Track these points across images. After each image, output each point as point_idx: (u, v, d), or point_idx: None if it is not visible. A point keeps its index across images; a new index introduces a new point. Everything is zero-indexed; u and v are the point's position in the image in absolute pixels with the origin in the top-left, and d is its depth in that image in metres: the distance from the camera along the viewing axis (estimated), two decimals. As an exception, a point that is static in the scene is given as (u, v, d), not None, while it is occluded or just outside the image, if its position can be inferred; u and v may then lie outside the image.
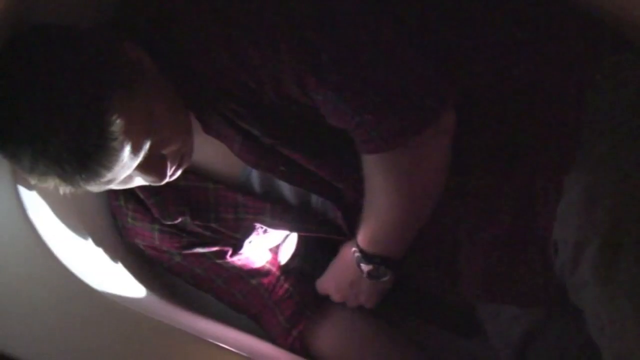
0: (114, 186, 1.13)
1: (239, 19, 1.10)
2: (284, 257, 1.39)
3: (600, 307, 1.10)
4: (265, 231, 1.34)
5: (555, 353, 1.27)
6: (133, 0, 1.19)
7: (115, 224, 1.38)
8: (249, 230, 1.33)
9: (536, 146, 1.18)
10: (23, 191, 1.19)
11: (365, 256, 1.23)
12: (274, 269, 1.39)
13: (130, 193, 1.32)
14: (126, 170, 1.09)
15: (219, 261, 1.36)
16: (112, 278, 1.31)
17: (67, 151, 1.01)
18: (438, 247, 1.26)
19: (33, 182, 1.08)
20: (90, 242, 1.31)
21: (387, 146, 1.11)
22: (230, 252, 1.35)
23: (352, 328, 1.36)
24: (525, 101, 1.19)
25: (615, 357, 1.10)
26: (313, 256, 1.38)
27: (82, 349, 1.24)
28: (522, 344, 1.29)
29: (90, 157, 1.02)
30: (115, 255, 1.35)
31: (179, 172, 1.18)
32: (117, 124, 1.03)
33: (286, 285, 1.37)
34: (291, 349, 1.35)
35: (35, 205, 1.21)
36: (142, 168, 1.11)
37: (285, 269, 1.39)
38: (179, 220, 1.31)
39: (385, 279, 1.26)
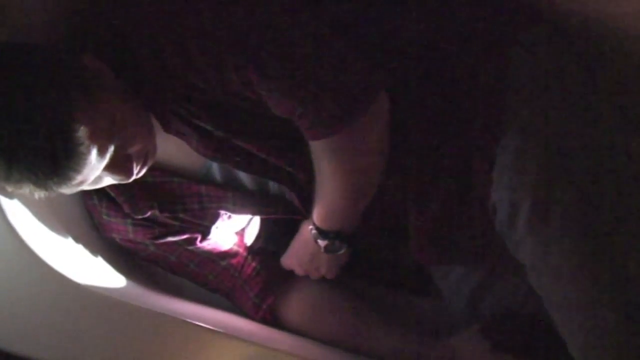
0: (85, 187, 1.14)
1: (185, 27, 1.12)
2: (249, 238, 1.42)
3: (536, 258, 1.14)
4: (229, 217, 1.36)
5: (503, 303, 1.31)
6: (90, 15, 1.19)
7: (92, 222, 1.39)
8: (214, 217, 1.35)
9: (467, 119, 1.20)
10: (3, 200, 1.21)
11: (321, 232, 1.27)
12: (241, 250, 1.41)
13: (102, 192, 1.32)
14: (95, 172, 1.10)
15: (190, 247, 1.37)
16: (94, 271, 1.33)
17: (37, 159, 1.02)
18: (388, 218, 1.28)
19: (10, 189, 1.09)
20: (70, 240, 1.32)
21: (329, 132, 1.13)
22: (199, 238, 1.37)
23: (315, 298, 1.38)
24: (453, 80, 1.21)
25: (552, 302, 1.14)
26: (275, 236, 1.40)
27: (71, 339, 1.27)
28: (472, 298, 1.33)
29: (59, 162, 1.03)
30: (94, 250, 1.36)
31: (144, 170, 1.19)
32: (82, 130, 1.04)
33: (253, 264, 1.39)
34: (263, 321, 1.38)
35: (16, 212, 1.23)
36: (110, 168, 1.12)
37: (251, 250, 1.41)
38: (149, 213, 1.32)
39: (341, 251, 1.30)
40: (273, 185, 1.32)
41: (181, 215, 1.35)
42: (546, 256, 1.12)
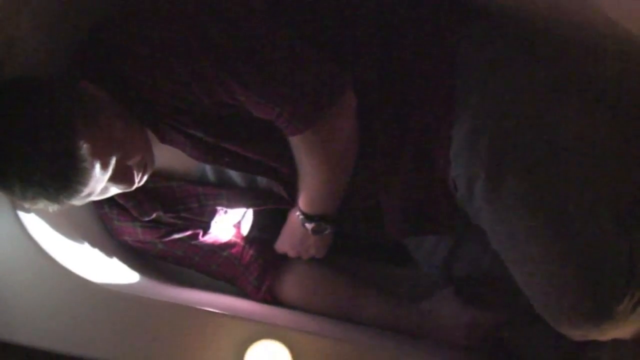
0: (94, 198, 1.15)
1: (171, 50, 1.13)
2: (245, 229, 1.43)
3: (495, 224, 1.17)
4: (226, 212, 1.38)
5: (473, 267, 1.34)
6: (87, 46, 1.20)
7: (105, 228, 1.40)
8: (213, 213, 1.36)
9: (423, 108, 1.22)
10: (23, 215, 1.22)
11: (307, 217, 1.29)
12: (239, 241, 1.42)
13: (112, 200, 1.34)
14: (100, 184, 1.12)
15: (193, 242, 1.39)
16: (110, 271, 1.34)
17: (47, 177, 1.04)
18: (363, 199, 1.30)
19: (27, 206, 1.11)
20: (86, 245, 1.34)
21: (305, 127, 1.15)
22: (201, 233, 1.38)
23: (309, 276, 1.40)
24: (409, 74, 1.23)
25: (511, 261, 1.17)
26: (268, 225, 1.42)
27: (93, 332, 1.27)
28: (445, 264, 1.36)
29: (67, 178, 1.05)
30: (109, 253, 1.38)
31: (145, 178, 1.20)
32: (85, 148, 1.06)
33: (251, 252, 1.40)
34: (263, 301, 1.40)
35: (35, 225, 1.24)
36: (113, 179, 1.14)
37: (247, 239, 1.43)
38: (155, 215, 1.34)
39: (326, 232, 1.32)
40: (261, 180, 1.34)
41: (183, 215, 1.36)
42: (502, 221, 1.15)
